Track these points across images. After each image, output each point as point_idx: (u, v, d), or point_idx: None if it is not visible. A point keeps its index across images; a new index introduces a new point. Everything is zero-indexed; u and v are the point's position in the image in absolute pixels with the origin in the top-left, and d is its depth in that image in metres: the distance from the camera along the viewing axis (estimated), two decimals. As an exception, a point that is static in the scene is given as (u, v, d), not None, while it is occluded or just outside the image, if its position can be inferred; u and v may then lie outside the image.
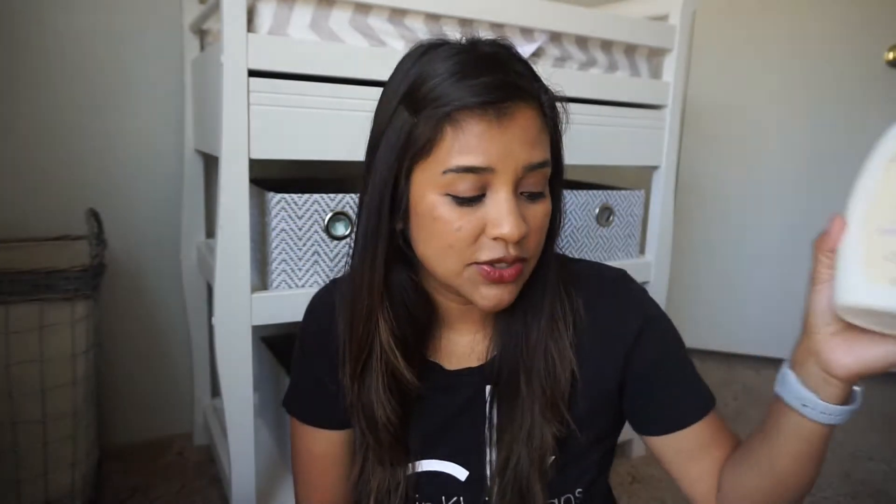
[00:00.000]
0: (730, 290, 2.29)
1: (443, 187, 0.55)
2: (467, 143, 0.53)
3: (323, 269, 1.04)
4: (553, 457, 0.63)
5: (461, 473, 0.67)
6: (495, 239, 0.55)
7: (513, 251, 0.55)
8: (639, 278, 1.38)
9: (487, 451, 0.65)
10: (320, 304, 0.72)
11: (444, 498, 0.67)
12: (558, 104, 0.62)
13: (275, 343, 1.43)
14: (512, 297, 0.59)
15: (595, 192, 1.30)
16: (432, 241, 0.57)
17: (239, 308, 0.96)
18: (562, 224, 0.65)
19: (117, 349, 1.48)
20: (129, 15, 1.39)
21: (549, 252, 0.63)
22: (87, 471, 1.17)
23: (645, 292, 0.68)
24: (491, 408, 0.65)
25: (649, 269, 1.39)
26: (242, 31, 0.90)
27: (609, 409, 0.66)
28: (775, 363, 2.41)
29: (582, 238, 1.29)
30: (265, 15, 0.94)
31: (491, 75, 0.54)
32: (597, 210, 1.29)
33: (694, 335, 2.34)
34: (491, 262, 0.56)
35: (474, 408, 0.66)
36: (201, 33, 1.38)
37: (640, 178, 2.09)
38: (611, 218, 1.32)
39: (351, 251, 0.65)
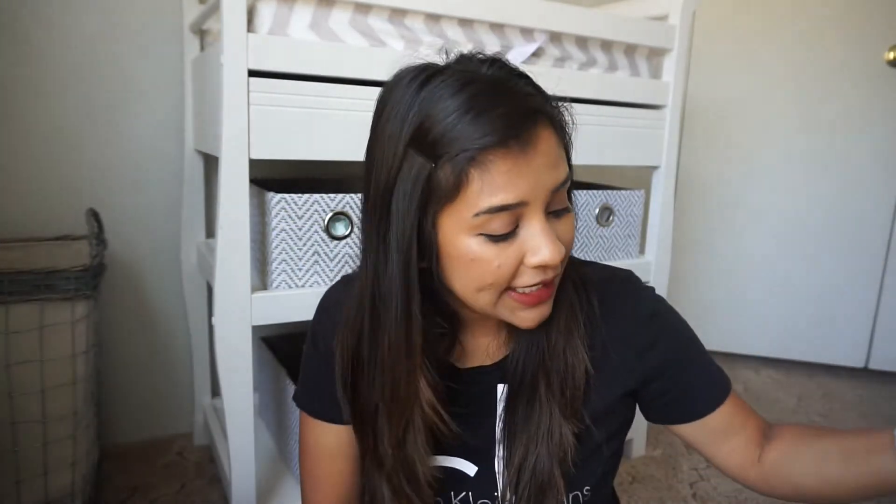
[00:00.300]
0: (730, 290, 2.29)
1: (475, 228, 0.53)
2: (496, 183, 0.51)
3: (323, 269, 1.04)
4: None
5: (470, 469, 0.67)
6: (536, 266, 0.55)
7: (551, 273, 0.56)
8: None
9: (497, 448, 0.66)
10: (333, 303, 0.71)
11: (452, 493, 0.67)
12: (563, 108, 0.62)
13: (275, 343, 1.43)
14: (549, 311, 0.59)
15: (595, 192, 1.30)
16: (471, 281, 0.56)
17: (239, 308, 0.96)
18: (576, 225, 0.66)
19: (117, 349, 1.48)
20: (129, 15, 1.39)
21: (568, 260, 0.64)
22: (87, 471, 1.17)
23: (653, 290, 0.69)
24: (503, 406, 0.66)
25: (649, 269, 1.38)
26: (242, 31, 0.90)
27: (622, 408, 0.67)
28: (775, 363, 2.43)
29: (582, 238, 1.29)
30: (265, 15, 0.94)
31: (504, 105, 0.52)
32: (597, 210, 1.29)
33: (694, 335, 2.34)
34: (528, 286, 0.56)
35: (485, 405, 0.66)
36: (201, 33, 1.38)
37: (640, 178, 2.09)
38: (611, 218, 1.32)
39: (369, 291, 0.60)
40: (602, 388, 0.65)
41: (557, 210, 0.57)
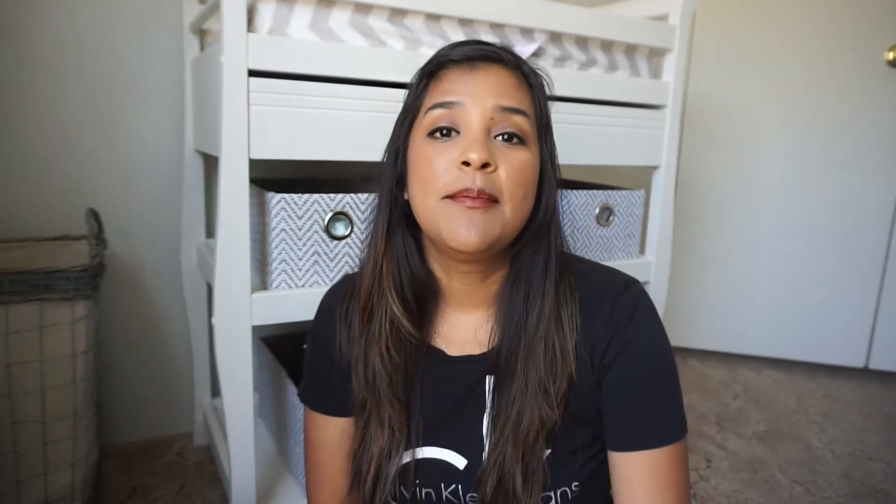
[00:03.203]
0: (730, 290, 2.29)
1: (425, 129, 0.63)
2: (442, 88, 0.63)
3: (323, 269, 1.04)
4: (548, 451, 0.64)
5: (460, 462, 0.68)
6: (462, 165, 0.60)
7: (479, 181, 0.59)
8: (639, 278, 1.38)
9: (486, 440, 0.67)
10: (333, 299, 0.76)
11: (442, 485, 0.68)
12: (543, 79, 0.70)
13: (275, 343, 1.43)
14: (482, 236, 0.60)
15: (595, 192, 1.29)
16: (416, 182, 0.63)
17: (239, 308, 0.96)
18: (558, 198, 0.69)
19: (117, 349, 1.48)
20: (129, 15, 1.39)
21: (549, 232, 0.67)
22: (87, 471, 1.17)
23: (643, 300, 0.67)
24: (491, 397, 0.67)
25: (649, 269, 1.38)
26: (242, 31, 0.90)
27: (594, 403, 0.66)
28: (776, 363, 2.43)
29: (582, 238, 1.29)
30: (265, 15, 0.94)
31: (474, 46, 0.64)
32: (597, 210, 1.29)
33: (694, 335, 2.35)
34: (458, 193, 0.60)
35: (474, 397, 0.68)
36: (201, 33, 1.38)
37: (640, 178, 2.09)
38: (611, 218, 1.32)
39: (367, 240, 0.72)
40: (578, 382, 0.65)
41: (508, 134, 0.62)
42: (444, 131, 0.62)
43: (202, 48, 1.38)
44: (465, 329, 0.70)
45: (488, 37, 1.11)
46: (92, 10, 1.35)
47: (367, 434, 0.70)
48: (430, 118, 0.63)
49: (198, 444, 1.54)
